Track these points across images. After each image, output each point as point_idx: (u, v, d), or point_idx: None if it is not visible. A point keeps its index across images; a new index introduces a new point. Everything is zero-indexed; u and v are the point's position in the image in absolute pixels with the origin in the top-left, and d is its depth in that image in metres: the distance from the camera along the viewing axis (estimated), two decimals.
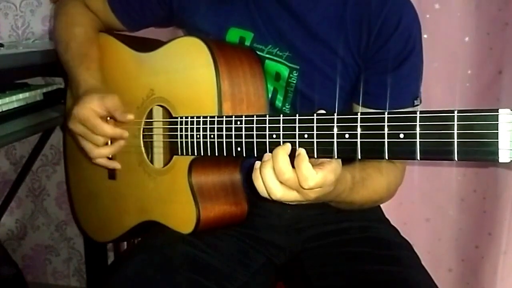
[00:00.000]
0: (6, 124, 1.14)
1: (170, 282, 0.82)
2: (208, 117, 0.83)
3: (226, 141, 0.80)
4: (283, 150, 0.67)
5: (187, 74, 0.91)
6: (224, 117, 0.80)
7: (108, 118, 0.97)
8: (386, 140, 0.60)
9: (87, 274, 1.70)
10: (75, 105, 0.94)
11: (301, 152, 0.67)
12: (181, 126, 0.88)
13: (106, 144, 0.98)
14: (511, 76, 1.23)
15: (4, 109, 1.15)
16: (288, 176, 0.66)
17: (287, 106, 0.96)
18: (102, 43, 1.08)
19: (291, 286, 1.01)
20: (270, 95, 0.95)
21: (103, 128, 0.94)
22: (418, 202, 1.38)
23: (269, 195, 0.69)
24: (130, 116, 0.97)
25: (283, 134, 0.71)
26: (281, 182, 0.67)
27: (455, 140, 0.55)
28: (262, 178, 0.68)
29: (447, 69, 1.28)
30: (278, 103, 0.96)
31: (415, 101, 0.92)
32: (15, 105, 1.19)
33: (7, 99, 1.16)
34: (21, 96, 1.22)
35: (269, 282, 0.99)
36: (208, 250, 0.90)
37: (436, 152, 0.57)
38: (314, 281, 0.90)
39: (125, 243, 1.40)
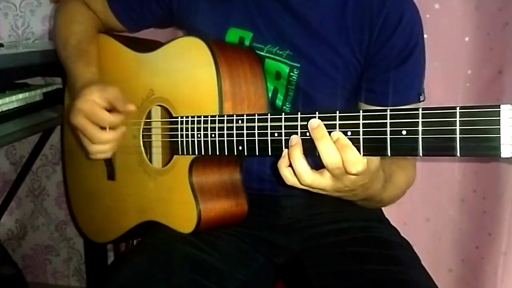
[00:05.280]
0: (6, 124, 1.14)
1: (170, 282, 0.81)
2: (209, 116, 0.83)
3: (227, 140, 0.80)
4: (327, 138, 0.64)
5: (188, 74, 0.90)
6: (225, 116, 0.80)
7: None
8: (388, 137, 0.61)
9: (87, 274, 1.69)
10: (75, 98, 0.91)
11: (340, 136, 0.64)
12: (182, 126, 0.88)
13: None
14: (511, 76, 1.23)
15: (4, 109, 1.14)
16: (340, 165, 0.64)
17: (287, 105, 0.96)
18: (102, 44, 1.08)
19: (291, 286, 1.01)
20: (270, 95, 0.95)
21: (109, 118, 0.90)
22: (418, 202, 1.38)
23: (298, 181, 0.67)
24: (132, 107, 0.94)
25: (284, 132, 0.71)
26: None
27: (457, 136, 0.55)
28: (292, 163, 0.65)
29: (447, 69, 1.28)
30: (279, 102, 0.96)
31: (420, 97, 0.92)
32: (15, 105, 1.19)
33: (7, 99, 1.16)
34: (21, 96, 1.21)
35: (269, 282, 0.99)
36: (208, 249, 0.90)
37: (439, 148, 0.57)
38: (314, 281, 0.89)
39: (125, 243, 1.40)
